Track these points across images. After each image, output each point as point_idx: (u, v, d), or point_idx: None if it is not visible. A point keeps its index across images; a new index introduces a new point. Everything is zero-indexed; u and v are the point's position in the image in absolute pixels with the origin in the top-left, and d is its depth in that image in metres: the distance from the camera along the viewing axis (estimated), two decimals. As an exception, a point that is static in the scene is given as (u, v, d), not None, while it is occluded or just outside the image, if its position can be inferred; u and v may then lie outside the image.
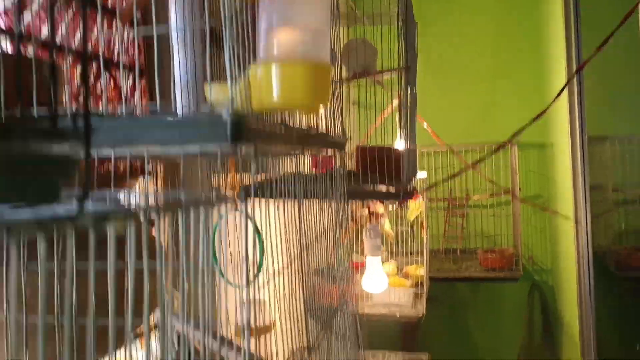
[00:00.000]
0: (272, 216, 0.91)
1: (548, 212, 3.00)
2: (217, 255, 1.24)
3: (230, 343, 0.95)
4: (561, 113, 2.85)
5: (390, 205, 1.52)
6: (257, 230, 1.11)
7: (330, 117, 1.20)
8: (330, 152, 1.26)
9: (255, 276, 1.14)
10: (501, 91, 3.35)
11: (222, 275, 1.14)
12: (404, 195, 1.41)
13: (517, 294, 3.37)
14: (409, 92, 1.60)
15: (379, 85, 1.64)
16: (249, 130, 0.65)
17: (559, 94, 1.38)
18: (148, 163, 1.32)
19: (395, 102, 2.30)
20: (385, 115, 2.30)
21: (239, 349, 0.83)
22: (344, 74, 1.58)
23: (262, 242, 1.05)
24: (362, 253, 2.21)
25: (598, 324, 2.55)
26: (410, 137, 1.62)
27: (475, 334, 3.42)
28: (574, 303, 2.68)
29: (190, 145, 0.66)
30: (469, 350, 3.40)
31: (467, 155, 3.29)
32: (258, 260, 1.11)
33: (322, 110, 1.12)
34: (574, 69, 2.60)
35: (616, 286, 3.00)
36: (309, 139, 0.93)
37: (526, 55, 3.37)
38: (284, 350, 0.98)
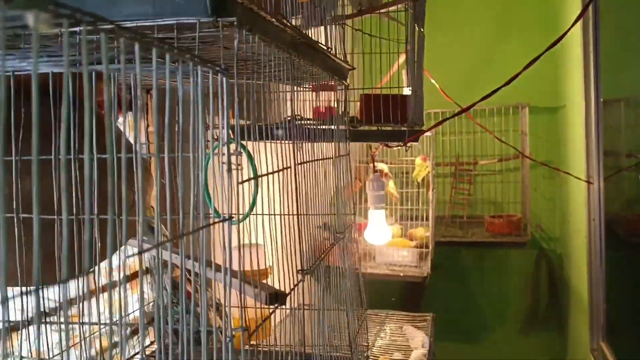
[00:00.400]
0: (267, 158, 0.83)
1: (561, 172, 2.91)
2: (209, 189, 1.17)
3: (216, 265, 0.88)
4: (573, 75, 2.75)
5: (395, 147, 1.44)
6: (249, 157, 1.03)
7: (332, 39, 1.12)
8: (331, 82, 1.18)
9: (250, 210, 1.07)
10: (511, 51, 3.24)
11: (215, 212, 1.07)
12: (410, 133, 1.32)
13: (524, 261, 3.30)
14: (416, 31, 1.50)
15: (386, 19, 1.54)
16: (232, 1, 0.57)
17: (574, 23, 1.28)
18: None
19: (403, 57, 2.21)
20: (392, 72, 2.20)
21: (221, 269, 0.76)
22: (347, 10, 1.49)
23: (255, 170, 0.97)
24: (366, 216, 2.14)
25: (607, 291, 2.48)
26: (417, 80, 1.53)
27: (480, 299, 3.35)
28: (583, 270, 2.60)
29: (165, 19, 0.58)
30: (474, 315, 3.34)
31: (475, 118, 3.19)
32: (252, 192, 1.03)
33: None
34: (590, 34, 2.49)
35: (625, 253, 2.92)
36: (305, 45, 0.84)
37: (536, 15, 3.25)
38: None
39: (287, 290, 0.86)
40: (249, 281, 0.66)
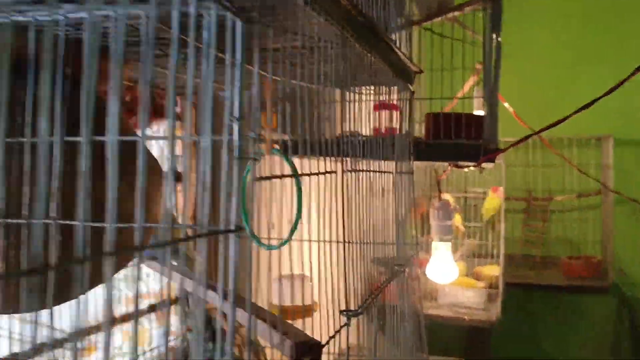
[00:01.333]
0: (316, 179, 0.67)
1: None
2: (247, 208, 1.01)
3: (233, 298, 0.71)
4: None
5: (467, 169, 1.24)
6: (291, 164, 0.87)
7: (397, 35, 0.95)
8: (393, 89, 1.00)
9: (291, 234, 0.91)
10: (589, 81, 2.97)
11: (254, 237, 0.92)
12: (485, 152, 1.12)
13: (604, 309, 2.96)
14: (493, 38, 1.32)
15: (458, 26, 1.37)
16: None
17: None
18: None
19: (471, 80, 2.01)
20: (465, 90, 2.01)
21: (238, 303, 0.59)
22: (416, 14, 1.32)
23: (300, 189, 0.81)
24: (429, 251, 1.93)
25: None
26: (493, 95, 1.34)
27: (553, 350, 3.02)
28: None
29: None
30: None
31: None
32: (295, 213, 0.87)
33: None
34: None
35: None
36: (363, 27, 0.67)
37: (624, 38, 2.98)
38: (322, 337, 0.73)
39: (331, 333, 0.68)
40: (276, 323, 0.48)
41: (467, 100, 2.05)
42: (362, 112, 1.08)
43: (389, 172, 0.85)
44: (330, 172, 0.57)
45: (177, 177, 1.22)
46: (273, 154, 0.94)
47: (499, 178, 2.56)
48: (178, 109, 1.20)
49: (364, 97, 0.96)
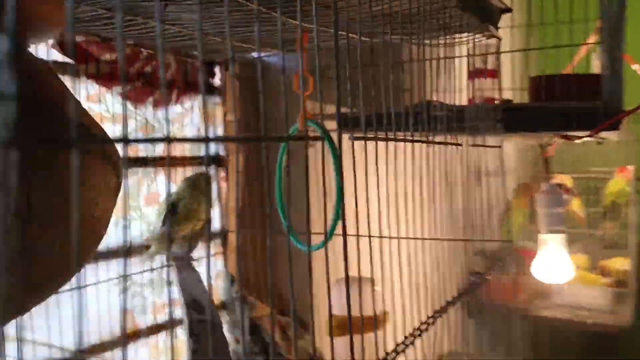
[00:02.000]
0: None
1: None
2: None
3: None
4: None
5: (580, 139, 0.97)
6: (328, 139, 0.68)
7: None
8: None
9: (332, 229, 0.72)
10: None
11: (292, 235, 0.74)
12: (603, 116, 0.85)
13: None
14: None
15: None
16: None
17: None
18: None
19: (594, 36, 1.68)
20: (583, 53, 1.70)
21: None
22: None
23: (341, 179, 0.62)
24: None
25: None
26: (614, 46, 1.05)
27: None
28: None
29: None
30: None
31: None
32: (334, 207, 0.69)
33: None
34: None
35: None
36: None
37: None
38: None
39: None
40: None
41: (588, 61, 1.73)
42: (436, 72, 0.84)
43: (457, 144, 0.62)
44: (316, 139, 0.36)
45: (219, 162, 1.06)
46: (309, 126, 0.73)
47: (630, 155, 2.18)
48: (218, 82, 1.03)
49: (434, 51, 0.73)
